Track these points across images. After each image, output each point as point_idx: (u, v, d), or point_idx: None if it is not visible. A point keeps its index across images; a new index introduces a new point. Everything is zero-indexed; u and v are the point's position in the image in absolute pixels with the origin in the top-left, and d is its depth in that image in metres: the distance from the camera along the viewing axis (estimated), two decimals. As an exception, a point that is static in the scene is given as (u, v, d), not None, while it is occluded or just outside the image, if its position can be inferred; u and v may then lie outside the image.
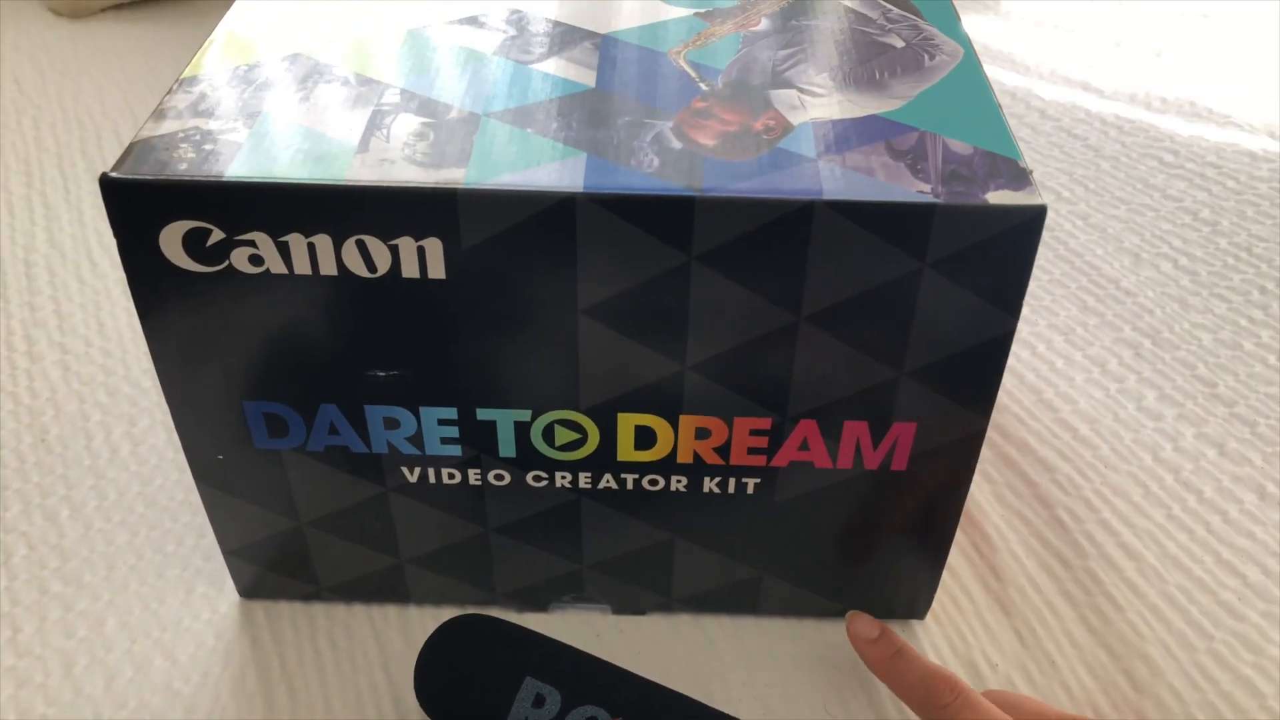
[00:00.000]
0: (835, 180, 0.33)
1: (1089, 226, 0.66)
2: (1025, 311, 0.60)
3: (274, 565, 0.43)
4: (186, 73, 0.37)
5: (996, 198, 0.32)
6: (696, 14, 0.41)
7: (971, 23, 0.88)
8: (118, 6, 0.90)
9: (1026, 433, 0.53)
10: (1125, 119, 0.75)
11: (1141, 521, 0.49)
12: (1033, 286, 0.62)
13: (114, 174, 0.32)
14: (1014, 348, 0.57)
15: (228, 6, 0.42)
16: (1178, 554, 0.47)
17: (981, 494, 0.50)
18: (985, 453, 0.52)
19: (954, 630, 0.45)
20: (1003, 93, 0.79)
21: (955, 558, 0.47)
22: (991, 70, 0.82)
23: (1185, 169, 0.70)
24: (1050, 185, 0.69)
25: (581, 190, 0.32)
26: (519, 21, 0.41)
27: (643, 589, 0.44)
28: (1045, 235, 0.65)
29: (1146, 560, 0.47)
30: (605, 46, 0.39)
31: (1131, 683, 0.43)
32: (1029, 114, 0.76)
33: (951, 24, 0.41)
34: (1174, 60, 0.81)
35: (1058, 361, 0.57)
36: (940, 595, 0.46)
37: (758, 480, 0.39)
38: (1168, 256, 0.63)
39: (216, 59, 0.38)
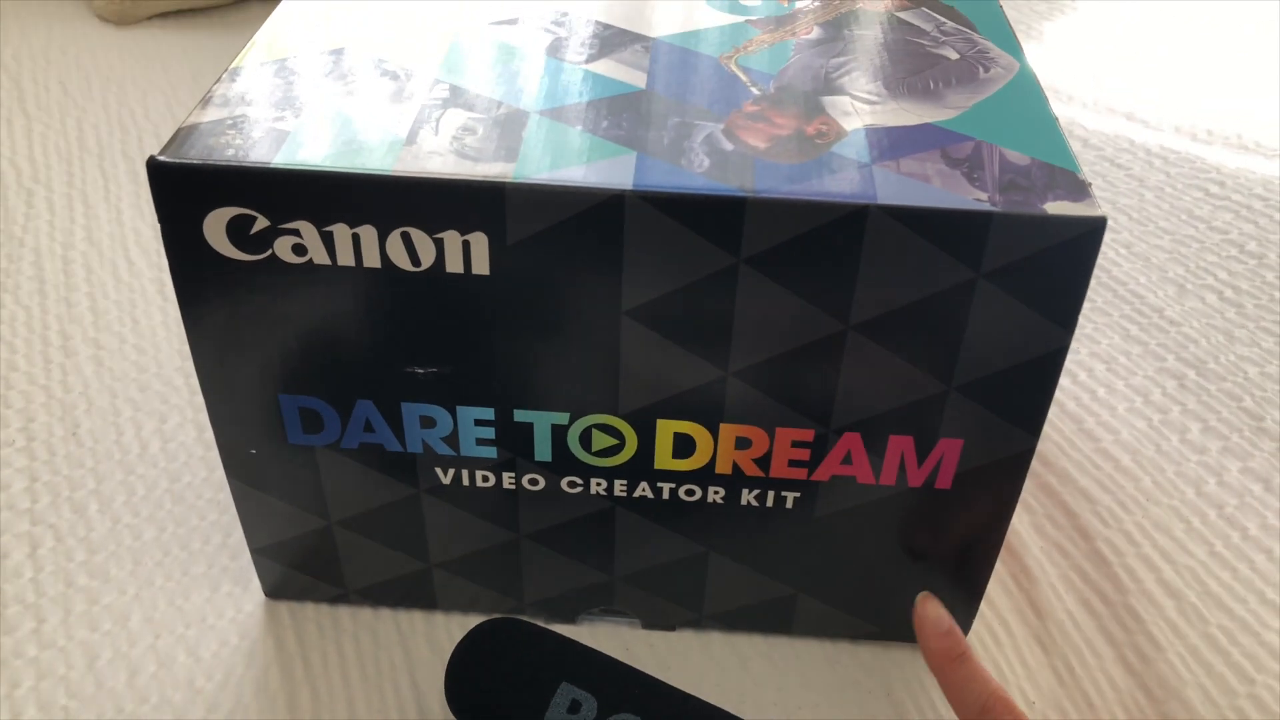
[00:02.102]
0: (890, 185, 0.32)
1: (1133, 255, 0.65)
2: (1067, 338, 0.59)
3: (301, 565, 0.43)
4: (235, 63, 0.37)
5: (1055, 208, 0.32)
6: (748, 21, 0.41)
7: (1014, 52, 0.88)
8: (163, 15, 0.91)
9: (1067, 462, 0.52)
10: (1170, 149, 0.74)
11: (1183, 558, 0.47)
12: (1075, 314, 0.61)
13: (161, 157, 0.32)
14: (1055, 374, 0.56)
15: (269, 16, 0.42)
16: (1220, 593, 0.46)
17: (1021, 524, 0.49)
18: (1025, 481, 0.51)
19: (991, 664, 0.44)
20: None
21: (994, 588, 0.46)
22: (1034, 99, 0.81)
23: (1231, 200, 0.69)
24: (1093, 214, 0.68)
25: (631, 188, 0.32)
26: (568, 24, 0.40)
27: (674, 604, 0.43)
28: (1088, 263, 0.64)
29: (1187, 599, 0.46)
30: (656, 50, 0.39)
31: None
32: (1071, 143, 0.75)
33: (1007, 39, 0.41)
34: (1221, 93, 0.80)
35: (1099, 390, 0.56)
36: (978, 627, 0.45)
37: (797, 494, 0.38)
38: (1213, 288, 0.62)
39: (265, 51, 0.38)
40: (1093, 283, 0.63)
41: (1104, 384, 0.56)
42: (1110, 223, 0.68)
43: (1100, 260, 0.65)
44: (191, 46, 0.86)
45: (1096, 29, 0.90)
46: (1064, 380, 0.56)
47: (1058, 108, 0.80)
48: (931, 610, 0.40)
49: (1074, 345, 0.59)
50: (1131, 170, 0.72)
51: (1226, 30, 0.89)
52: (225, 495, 0.49)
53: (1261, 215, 0.67)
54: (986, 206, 0.31)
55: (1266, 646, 0.44)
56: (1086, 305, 0.62)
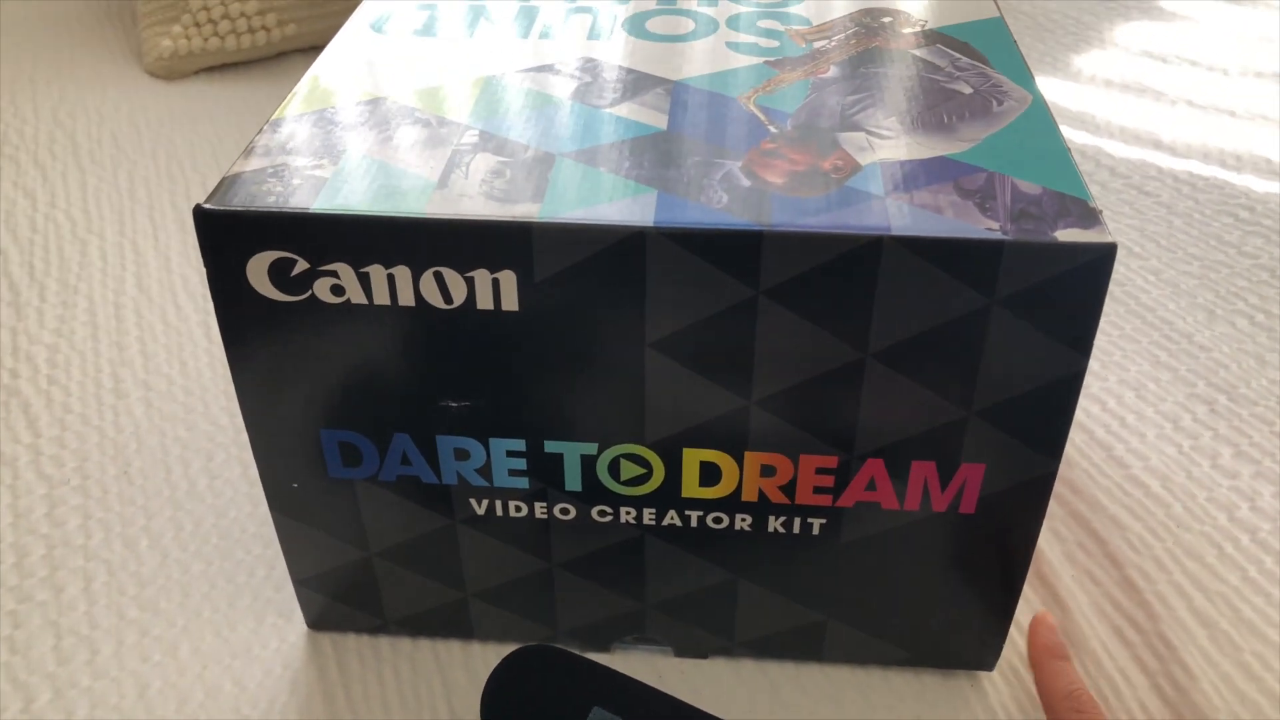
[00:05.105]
0: (903, 217, 0.33)
1: (1161, 282, 0.65)
2: (1095, 366, 0.59)
3: (342, 596, 0.44)
4: (276, 114, 0.39)
5: (1066, 235, 0.32)
6: (766, 62, 0.42)
7: (1041, 83, 0.88)
8: (209, 69, 0.94)
9: (1097, 489, 0.52)
10: (1198, 176, 0.74)
11: (1215, 584, 0.47)
12: (1103, 341, 0.61)
13: (207, 205, 0.34)
14: (1084, 402, 0.56)
15: (309, 69, 0.44)
16: (1253, 618, 0.46)
17: (1052, 552, 0.49)
18: (1055, 509, 0.51)
19: (1025, 692, 0.44)
20: (1072, 151, 0.79)
21: (1026, 616, 0.46)
22: (1061, 129, 0.82)
23: (1261, 225, 0.69)
24: (1121, 241, 0.69)
25: (652, 225, 0.33)
26: (593, 69, 0.42)
27: (705, 631, 0.44)
28: (1116, 290, 0.65)
29: (1220, 626, 0.46)
30: (677, 92, 0.40)
31: None
32: (1099, 171, 0.76)
33: (1020, 72, 0.42)
34: (1249, 121, 0.81)
35: (1129, 417, 0.56)
36: (1010, 655, 0.45)
37: (823, 521, 0.39)
38: (1243, 313, 0.62)
39: (304, 102, 0.40)
40: (1121, 309, 0.63)
41: (1133, 410, 0.56)
42: (1138, 250, 0.68)
43: (1129, 287, 0.65)
44: (236, 98, 0.89)
45: (1122, 59, 0.91)
46: (1093, 407, 0.57)
47: (1085, 137, 0.80)
48: (1046, 616, 0.44)
49: (1103, 372, 0.59)
50: (1160, 197, 0.73)
51: (1253, 57, 0.89)
52: (269, 530, 0.50)
53: (1292, 240, 0.67)
54: (998, 235, 0.32)
55: (1302, 671, 0.44)
56: (1115, 332, 0.62)
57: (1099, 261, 0.32)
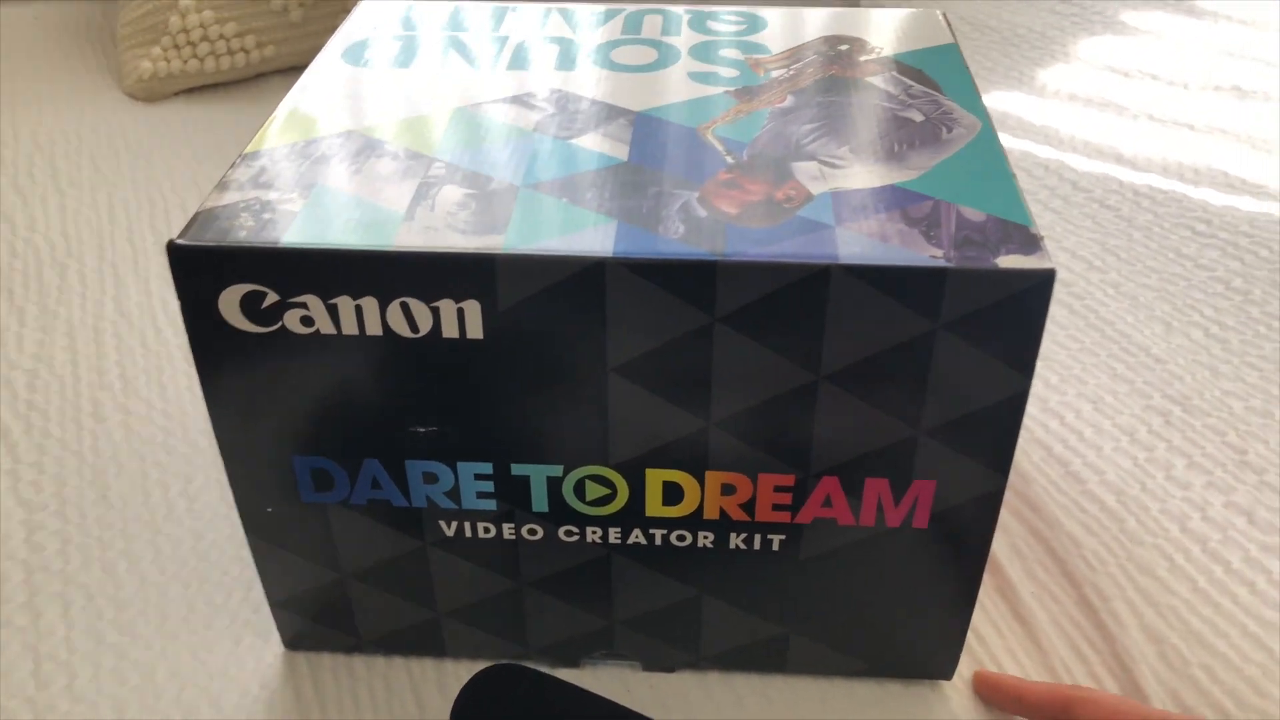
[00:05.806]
0: (851, 245, 0.34)
1: (1120, 295, 0.67)
2: (1054, 380, 0.61)
3: (318, 617, 0.45)
4: (249, 148, 0.40)
5: (1007, 262, 0.34)
6: (727, 92, 0.44)
7: (1006, 97, 0.90)
8: (188, 90, 0.95)
9: (1055, 506, 0.53)
10: (1158, 190, 0.76)
11: (1166, 598, 0.48)
12: (1062, 355, 0.62)
13: (180, 241, 0.35)
14: (1042, 417, 0.58)
15: (288, 91, 0.45)
16: (1202, 630, 0.47)
17: (1012, 569, 0.50)
18: (1014, 526, 0.52)
19: (985, 709, 0.44)
20: (1035, 165, 0.80)
21: (988, 633, 0.47)
22: (1024, 143, 0.83)
23: (1218, 239, 0.70)
24: (1082, 255, 0.70)
25: (611, 255, 0.34)
26: (559, 100, 0.43)
27: (672, 646, 0.45)
28: (1076, 304, 0.66)
29: (1169, 641, 0.46)
30: (639, 123, 0.41)
31: None
32: (1061, 185, 0.78)
33: (971, 98, 0.43)
34: (1208, 134, 0.82)
35: (1086, 431, 0.57)
36: (969, 664, 0.46)
37: (783, 537, 0.40)
38: (1199, 325, 0.64)
39: (277, 135, 0.41)
40: (1081, 323, 0.65)
41: (1091, 424, 0.58)
42: (1099, 263, 0.70)
43: (1089, 301, 0.67)
44: (215, 120, 0.90)
45: (1086, 74, 0.93)
46: (1051, 422, 0.58)
47: (1049, 151, 0.82)
48: (980, 670, 0.46)
49: (1061, 386, 0.60)
50: (1120, 211, 0.74)
51: (1213, 72, 0.91)
52: (246, 552, 0.51)
53: (1247, 251, 0.69)
54: (941, 263, 0.34)
55: (1248, 680, 0.45)
56: (1074, 345, 0.63)
57: (1038, 287, 0.34)
